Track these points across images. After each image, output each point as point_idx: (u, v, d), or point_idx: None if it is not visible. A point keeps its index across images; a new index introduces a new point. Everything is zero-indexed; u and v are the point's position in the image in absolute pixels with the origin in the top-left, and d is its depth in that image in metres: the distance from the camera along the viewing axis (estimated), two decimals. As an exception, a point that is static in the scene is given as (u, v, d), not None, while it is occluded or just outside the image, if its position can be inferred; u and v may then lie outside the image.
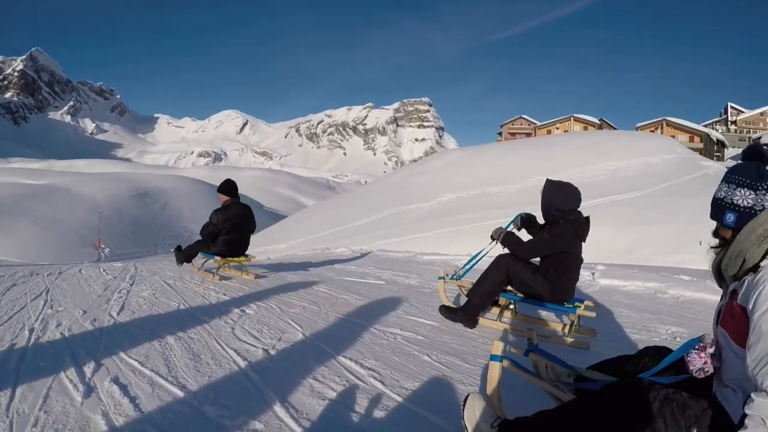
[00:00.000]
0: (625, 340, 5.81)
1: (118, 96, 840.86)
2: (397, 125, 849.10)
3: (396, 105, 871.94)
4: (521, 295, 5.83)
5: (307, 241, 38.97)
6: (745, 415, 2.21)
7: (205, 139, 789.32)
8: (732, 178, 2.65)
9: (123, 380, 3.93)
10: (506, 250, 5.89)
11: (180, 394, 3.74)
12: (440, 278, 6.79)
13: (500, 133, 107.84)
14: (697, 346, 2.70)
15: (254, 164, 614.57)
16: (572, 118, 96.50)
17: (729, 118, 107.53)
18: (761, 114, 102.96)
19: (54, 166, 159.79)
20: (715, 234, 2.76)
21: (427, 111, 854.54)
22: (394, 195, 46.58)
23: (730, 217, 2.61)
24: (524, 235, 6.11)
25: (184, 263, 9.99)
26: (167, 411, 3.44)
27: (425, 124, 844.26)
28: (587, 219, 5.79)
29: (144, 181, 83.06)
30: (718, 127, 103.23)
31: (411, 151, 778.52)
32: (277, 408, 3.53)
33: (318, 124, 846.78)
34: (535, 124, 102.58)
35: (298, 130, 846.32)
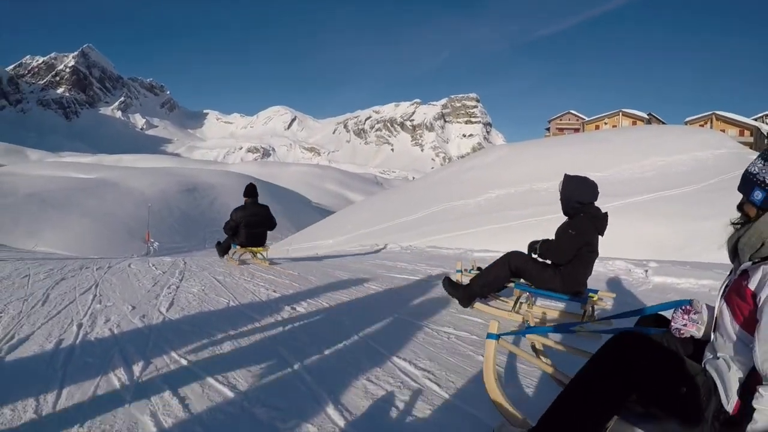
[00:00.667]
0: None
1: (168, 92, 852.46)
2: (445, 121, 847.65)
3: (443, 101, 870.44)
4: (534, 287, 6.02)
5: (355, 237, 38.91)
6: (751, 408, 2.23)
7: (254, 135, 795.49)
8: None
9: (172, 379, 3.86)
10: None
11: (230, 394, 3.62)
12: (458, 271, 7.44)
13: (548, 129, 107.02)
14: (683, 307, 2.86)
15: (302, 160, 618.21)
16: (621, 113, 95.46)
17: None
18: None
19: (104, 160, 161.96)
20: (740, 208, 2.70)
21: (475, 107, 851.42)
22: (442, 191, 46.44)
23: (758, 195, 2.53)
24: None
25: (224, 255, 11.89)
26: (217, 412, 3.35)
27: (473, 119, 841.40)
28: (606, 214, 6.03)
29: (193, 176, 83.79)
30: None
31: (458, 147, 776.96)
32: (330, 410, 3.42)
33: (365, 120, 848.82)
34: (583, 119, 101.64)
35: (345, 126, 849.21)
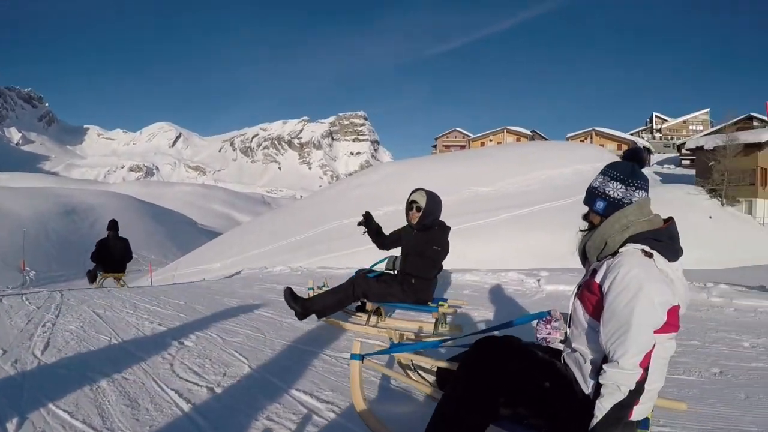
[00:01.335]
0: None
1: (47, 104, 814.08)
2: (333, 139, 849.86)
3: (331, 119, 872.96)
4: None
5: (243, 260, 38.47)
6: (600, 385, 2.57)
7: (137, 153, 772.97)
8: (609, 171, 2.94)
9: (52, 438, 3.46)
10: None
11: (117, 450, 3.27)
12: (309, 289, 7.60)
13: (435, 146, 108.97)
14: (544, 318, 3.26)
15: (187, 179, 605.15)
16: (505, 130, 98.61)
17: (654, 127, 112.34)
18: (684, 122, 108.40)
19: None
20: (585, 218, 3.06)
21: (363, 125, 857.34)
22: (331, 209, 46.57)
23: (600, 205, 2.91)
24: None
25: (93, 282, 13.66)
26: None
27: (361, 137, 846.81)
28: (448, 228, 6.36)
29: (72, 196, 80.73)
30: (644, 135, 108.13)
31: (347, 165, 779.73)
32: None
33: (252, 138, 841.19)
34: (469, 136, 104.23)
35: (232, 144, 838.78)
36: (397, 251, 6.68)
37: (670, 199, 40.84)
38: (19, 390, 4.24)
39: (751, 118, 68.58)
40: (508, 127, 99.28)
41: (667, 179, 57.49)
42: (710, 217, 40.59)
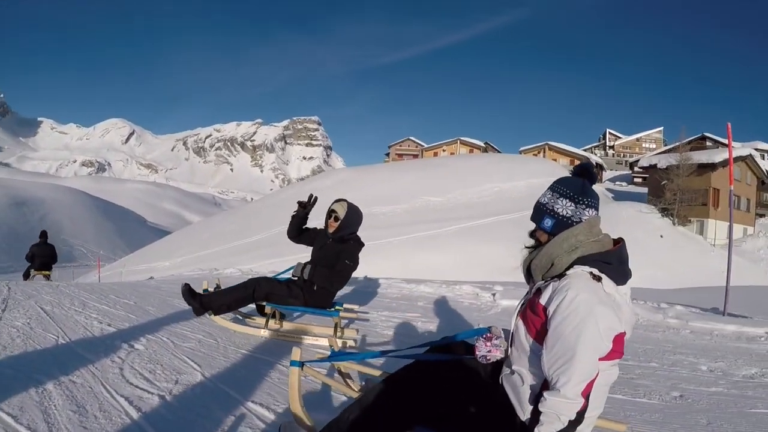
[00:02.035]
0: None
1: (1, 95, 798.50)
2: (286, 143, 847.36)
3: (285, 122, 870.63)
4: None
5: (192, 259, 38.09)
6: (539, 412, 2.46)
7: (90, 148, 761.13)
8: (558, 187, 2.84)
9: (-8, 443, 3.24)
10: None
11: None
12: (204, 290, 7.07)
13: (388, 154, 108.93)
14: (484, 335, 2.98)
15: (139, 176, 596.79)
16: (459, 141, 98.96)
17: (607, 143, 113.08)
18: (637, 140, 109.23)
19: None
20: (532, 235, 2.96)
21: (316, 129, 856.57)
22: (281, 213, 46.18)
23: (548, 222, 2.80)
24: None
25: (27, 278, 16.68)
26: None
27: (314, 142, 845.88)
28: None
29: (23, 189, 79.31)
30: (597, 151, 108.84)
31: (299, 170, 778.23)
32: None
33: (206, 138, 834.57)
34: (423, 145, 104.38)
35: (185, 144, 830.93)
36: (305, 258, 6.67)
37: (623, 217, 41.42)
38: None
39: (704, 138, 69.87)
40: (462, 138, 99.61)
41: (619, 196, 58.29)
42: (661, 236, 41.07)
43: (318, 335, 6.27)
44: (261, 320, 6.48)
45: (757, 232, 50.88)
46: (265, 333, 6.18)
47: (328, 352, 4.45)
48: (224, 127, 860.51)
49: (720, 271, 13.68)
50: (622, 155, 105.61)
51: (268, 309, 6.29)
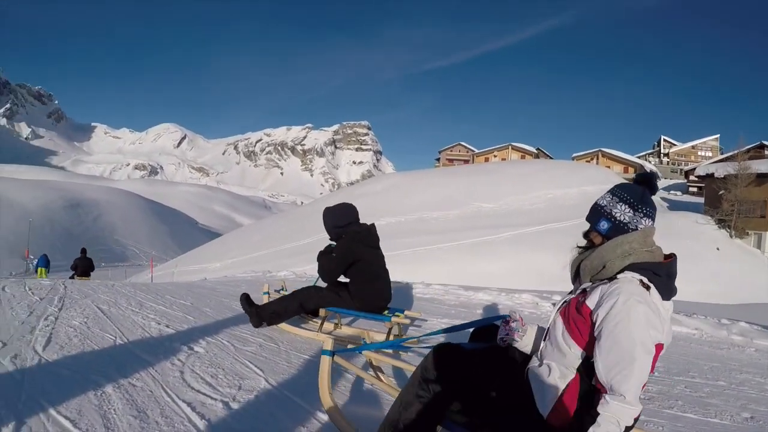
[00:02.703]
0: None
1: (56, 102, 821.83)
2: (336, 147, 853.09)
3: (335, 127, 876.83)
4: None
5: (244, 261, 38.28)
6: (591, 413, 2.45)
7: (142, 152, 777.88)
8: (618, 192, 2.83)
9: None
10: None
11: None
12: (265, 293, 7.65)
13: (438, 159, 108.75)
14: (504, 320, 3.16)
15: (190, 180, 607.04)
16: (510, 147, 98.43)
17: (662, 151, 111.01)
18: (692, 147, 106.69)
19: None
20: (586, 235, 2.96)
21: (366, 134, 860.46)
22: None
23: (604, 225, 2.79)
24: None
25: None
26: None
27: (363, 147, 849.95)
28: (369, 226, 6.41)
29: (78, 191, 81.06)
30: (651, 159, 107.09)
31: (348, 174, 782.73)
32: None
33: (256, 143, 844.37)
34: (474, 151, 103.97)
35: (236, 148, 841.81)
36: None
37: (678, 227, 40.44)
38: (18, 390, 3.81)
39: (762, 147, 68.15)
40: (513, 144, 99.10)
41: (674, 206, 56.97)
42: (718, 249, 39.80)
43: (369, 339, 6.03)
44: (316, 323, 6.49)
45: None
46: (321, 337, 5.99)
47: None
48: (274, 132, 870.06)
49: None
50: (676, 163, 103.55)
51: (322, 312, 6.23)
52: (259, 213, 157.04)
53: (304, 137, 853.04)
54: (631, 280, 2.54)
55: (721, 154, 75.84)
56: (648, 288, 2.53)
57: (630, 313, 2.43)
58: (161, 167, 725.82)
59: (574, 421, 2.57)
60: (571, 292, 2.93)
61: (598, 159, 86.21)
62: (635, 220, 2.72)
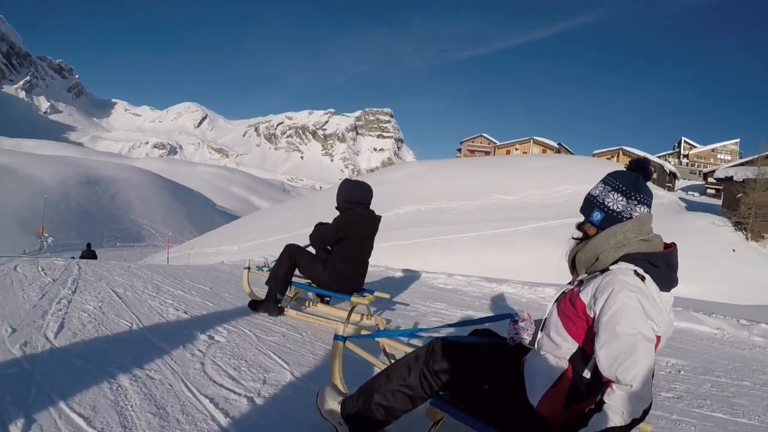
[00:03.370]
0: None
1: (77, 76, 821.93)
2: (357, 133, 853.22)
3: (357, 113, 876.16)
4: (312, 285, 6.35)
5: (261, 245, 38.21)
6: (596, 401, 2.39)
7: (162, 130, 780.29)
8: (610, 181, 2.78)
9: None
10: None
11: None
12: (245, 268, 7.30)
13: (459, 150, 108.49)
14: (513, 319, 3.22)
15: (209, 160, 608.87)
16: (532, 140, 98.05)
17: (682, 152, 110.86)
18: (712, 150, 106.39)
19: (3, 144, 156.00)
20: (579, 227, 2.92)
21: (388, 122, 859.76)
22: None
23: (597, 216, 2.75)
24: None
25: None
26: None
27: (385, 134, 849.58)
28: (377, 216, 6.37)
29: (95, 168, 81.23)
30: (671, 159, 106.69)
31: (368, 161, 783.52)
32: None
33: (278, 126, 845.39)
34: (495, 143, 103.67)
35: (257, 130, 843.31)
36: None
37: (695, 227, 40.18)
38: (28, 382, 3.60)
39: (782, 152, 67.73)
40: (535, 138, 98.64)
41: (691, 206, 56.58)
42: (734, 250, 39.59)
43: (342, 319, 6.12)
44: (343, 314, 6.40)
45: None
46: (334, 324, 6.03)
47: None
48: (296, 115, 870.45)
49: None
50: (696, 165, 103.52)
51: (293, 290, 6.56)
52: (278, 196, 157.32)
53: (326, 122, 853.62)
54: (624, 270, 2.51)
55: (741, 158, 75.27)
56: (643, 279, 2.48)
57: (624, 304, 2.39)
58: (181, 147, 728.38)
59: (565, 412, 2.57)
60: (569, 283, 2.91)
61: (618, 157, 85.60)
62: (629, 209, 2.69)
